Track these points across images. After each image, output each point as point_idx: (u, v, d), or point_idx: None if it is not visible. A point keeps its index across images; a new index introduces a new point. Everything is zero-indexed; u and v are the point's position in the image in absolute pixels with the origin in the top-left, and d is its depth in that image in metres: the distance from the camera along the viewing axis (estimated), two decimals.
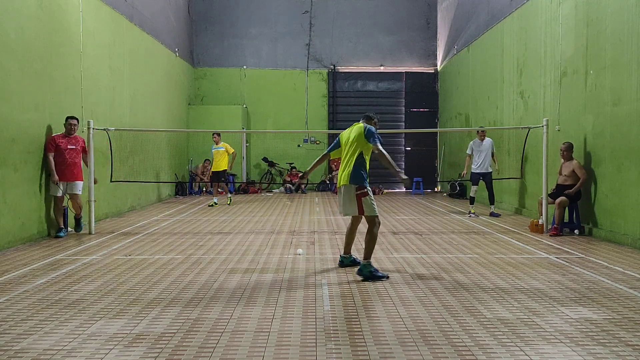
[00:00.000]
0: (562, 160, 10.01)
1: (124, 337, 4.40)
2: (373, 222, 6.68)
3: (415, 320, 4.83)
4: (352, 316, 4.97)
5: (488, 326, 4.67)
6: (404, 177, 6.61)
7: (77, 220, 10.06)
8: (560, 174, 10.01)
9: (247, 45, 21.56)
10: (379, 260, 7.56)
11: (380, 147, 6.64)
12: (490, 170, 12.86)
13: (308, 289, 5.98)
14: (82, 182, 9.87)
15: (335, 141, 7.30)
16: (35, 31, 9.38)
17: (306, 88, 21.53)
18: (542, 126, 10.42)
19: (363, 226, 7.01)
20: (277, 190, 20.36)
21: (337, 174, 20.27)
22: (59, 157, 9.52)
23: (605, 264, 7.23)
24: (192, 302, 5.42)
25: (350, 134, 6.99)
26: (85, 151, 10.05)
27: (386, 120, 21.57)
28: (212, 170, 15.60)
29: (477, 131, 13.14)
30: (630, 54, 8.51)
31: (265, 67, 21.58)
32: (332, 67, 21.62)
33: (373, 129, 6.86)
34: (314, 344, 4.25)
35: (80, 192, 9.81)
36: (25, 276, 6.55)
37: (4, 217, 8.35)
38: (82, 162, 10.05)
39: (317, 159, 7.43)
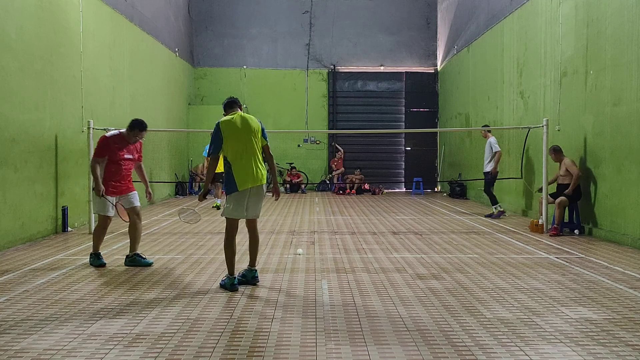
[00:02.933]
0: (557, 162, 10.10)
1: (124, 337, 4.40)
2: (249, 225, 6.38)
3: (415, 320, 4.83)
4: (352, 316, 4.97)
5: (488, 326, 4.67)
6: (279, 190, 6.38)
7: (134, 255, 7.30)
8: (558, 174, 10.07)
9: (247, 45, 21.56)
10: (379, 260, 7.56)
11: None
12: (486, 170, 12.75)
13: (308, 289, 5.98)
14: (136, 192, 7.54)
15: (217, 137, 6.02)
16: (35, 31, 9.38)
17: (306, 88, 21.52)
18: (542, 126, 10.43)
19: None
20: None
21: (337, 174, 20.52)
22: (112, 166, 7.15)
23: (605, 264, 7.23)
24: (192, 302, 5.42)
25: (246, 125, 6.05)
26: (140, 158, 7.65)
27: (386, 120, 21.60)
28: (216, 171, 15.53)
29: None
30: (630, 54, 8.51)
31: (265, 67, 21.58)
32: (332, 67, 21.61)
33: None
34: (314, 344, 4.25)
35: (139, 204, 7.52)
36: (25, 276, 6.55)
37: (4, 217, 8.36)
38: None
39: (210, 166, 6.37)
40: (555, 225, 9.70)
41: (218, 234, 9.92)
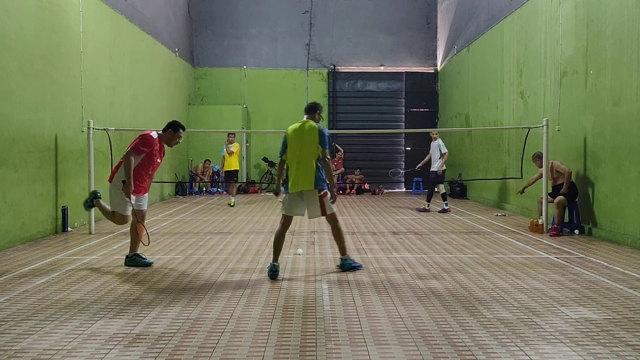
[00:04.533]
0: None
1: (124, 337, 4.40)
2: (335, 219, 6.81)
3: (415, 320, 4.83)
4: (352, 316, 4.97)
5: (488, 326, 4.67)
6: (335, 194, 6.73)
7: (134, 255, 7.19)
8: (550, 178, 10.15)
9: (247, 45, 21.56)
10: (379, 260, 7.57)
11: (328, 156, 6.64)
12: (434, 169, 13.73)
13: (308, 289, 5.98)
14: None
15: (283, 141, 6.84)
16: (35, 31, 9.38)
17: (306, 88, 21.52)
18: (542, 126, 10.43)
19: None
20: None
21: (337, 175, 20.50)
22: (142, 168, 6.95)
23: (605, 264, 7.23)
24: (192, 302, 5.42)
25: (302, 133, 6.67)
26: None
27: (386, 120, 21.59)
28: (226, 169, 15.60)
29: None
30: (630, 54, 8.51)
31: (265, 67, 21.58)
32: (332, 67, 21.61)
33: (326, 131, 6.72)
34: (314, 344, 4.25)
35: (146, 208, 7.33)
36: (25, 276, 6.55)
37: (4, 217, 8.36)
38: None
39: (279, 169, 6.95)
40: (555, 225, 9.70)
41: (218, 234, 9.93)
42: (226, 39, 21.49)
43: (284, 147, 6.76)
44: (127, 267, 7.07)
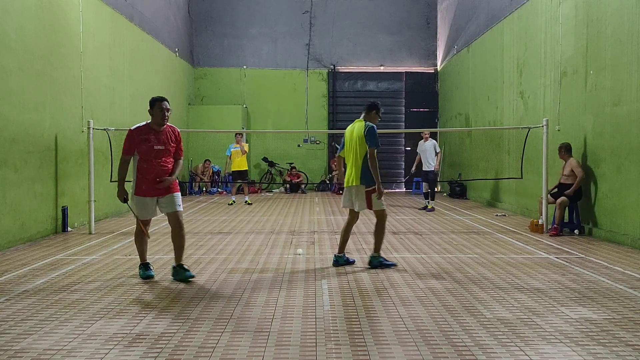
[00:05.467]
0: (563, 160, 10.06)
1: (124, 337, 4.40)
2: (381, 215, 7.05)
3: (415, 320, 4.83)
4: (352, 316, 4.97)
5: (488, 326, 4.67)
6: (382, 190, 6.98)
7: (179, 266, 6.38)
8: (562, 173, 10.04)
9: (247, 45, 21.56)
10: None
11: (375, 154, 6.91)
12: (431, 168, 13.96)
13: (308, 289, 5.98)
14: (179, 193, 6.47)
15: (342, 139, 7.44)
16: (35, 31, 9.38)
17: (306, 88, 21.52)
18: (542, 126, 10.43)
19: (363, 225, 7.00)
20: (277, 190, 20.36)
21: (337, 174, 20.49)
22: (143, 163, 6.30)
23: (605, 264, 7.23)
24: (192, 302, 5.42)
25: (353, 132, 7.13)
26: (180, 153, 6.59)
27: (386, 120, 21.56)
28: (234, 169, 15.62)
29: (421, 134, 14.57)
30: (630, 54, 8.51)
31: (265, 67, 21.58)
32: (332, 67, 21.61)
33: (373, 129, 7.01)
34: (314, 344, 4.25)
35: (180, 208, 6.41)
36: (25, 276, 6.55)
37: (4, 217, 8.36)
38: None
39: (337, 165, 7.77)
40: (555, 225, 9.70)
41: (218, 234, 9.93)
42: (226, 39, 21.49)
43: (342, 144, 7.35)
44: (126, 267, 7.05)
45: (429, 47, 21.75)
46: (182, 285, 6.11)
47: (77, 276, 6.56)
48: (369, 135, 6.92)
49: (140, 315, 5.00)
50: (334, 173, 20.62)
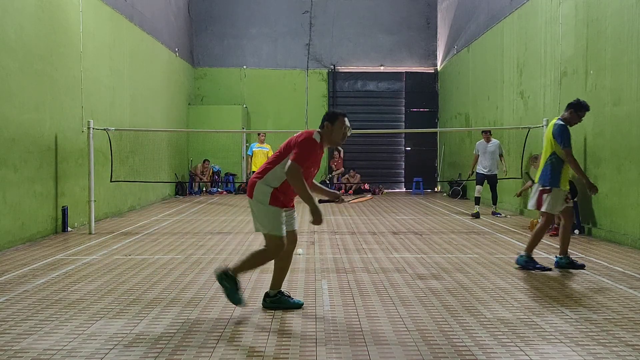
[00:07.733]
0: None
1: (123, 337, 4.40)
2: (548, 218, 7.00)
3: (415, 320, 4.83)
4: (352, 316, 4.97)
5: (488, 326, 4.67)
6: (592, 184, 6.93)
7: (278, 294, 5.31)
8: None
9: (247, 45, 21.55)
10: (379, 260, 7.56)
11: (567, 152, 6.71)
12: (495, 172, 12.79)
13: (308, 289, 5.98)
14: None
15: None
16: (35, 31, 9.38)
17: (306, 88, 21.52)
18: (542, 126, 10.43)
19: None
20: None
21: (337, 174, 20.51)
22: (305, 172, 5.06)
23: (605, 264, 7.23)
24: (192, 302, 5.42)
25: (547, 130, 7.13)
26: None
27: (386, 120, 21.58)
28: (253, 170, 15.70)
29: (482, 132, 13.07)
30: (630, 54, 8.51)
31: (265, 67, 21.57)
32: (332, 67, 21.61)
33: (561, 128, 6.80)
34: (314, 344, 4.25)
35: (297, 227, 5.39)
36: (25, 276, 6.55)
37: (4, 217, 8.36)
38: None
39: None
40: (555, 226, 9.69)
41: (218, 234, 9.93)
42: (226, 39, 21.49)
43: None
44: (127, 267, 7.06)
45: (429, 47, 21.75)
46: (182, 285, 6.11)
47: (77, 276, 6.56)
48: (556, 133, 6.80)
49: (140, 315, 5.00)
50: (334, 173, 20.65)
